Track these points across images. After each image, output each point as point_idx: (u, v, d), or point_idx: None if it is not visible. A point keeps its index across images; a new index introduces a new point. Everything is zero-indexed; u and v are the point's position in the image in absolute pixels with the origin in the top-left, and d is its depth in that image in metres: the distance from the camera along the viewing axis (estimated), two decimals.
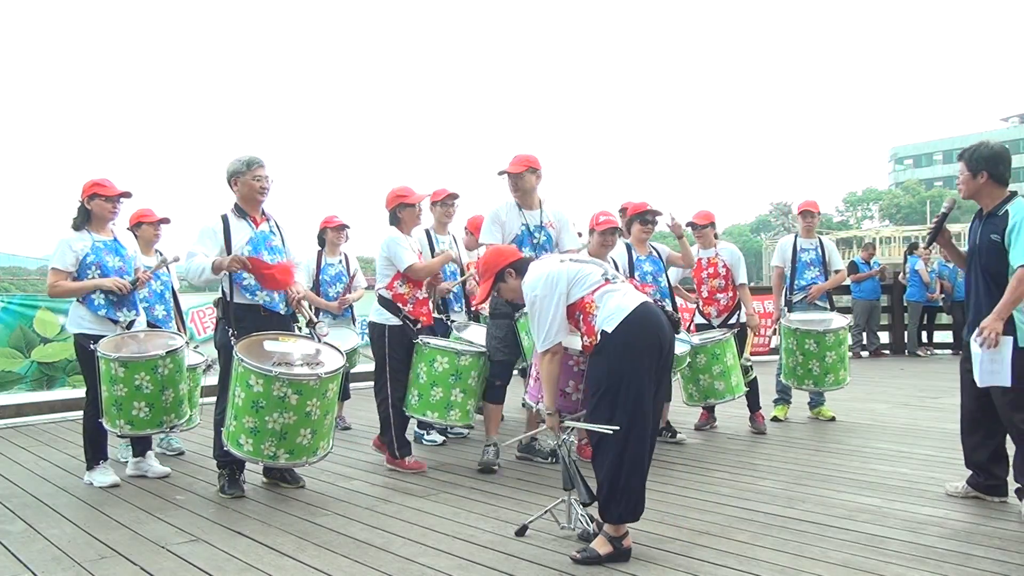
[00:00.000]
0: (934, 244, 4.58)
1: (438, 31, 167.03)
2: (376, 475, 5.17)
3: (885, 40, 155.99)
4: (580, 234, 6.45)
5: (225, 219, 4.62)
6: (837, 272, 6.93)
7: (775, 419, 6.73)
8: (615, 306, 3.47)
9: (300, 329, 4.83)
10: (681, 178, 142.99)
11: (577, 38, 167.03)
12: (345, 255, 6.77)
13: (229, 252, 4.49)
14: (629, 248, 6.06)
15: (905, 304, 12.60)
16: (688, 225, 6.53)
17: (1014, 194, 4.14)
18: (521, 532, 3.83)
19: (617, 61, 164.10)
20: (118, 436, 4.90)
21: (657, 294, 6.07)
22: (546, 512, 3.84)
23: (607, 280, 3.59)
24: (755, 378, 6.43)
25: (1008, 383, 3.93)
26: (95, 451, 4.99)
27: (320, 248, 6.69)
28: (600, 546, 3.49)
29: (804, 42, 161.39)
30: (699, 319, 6.57)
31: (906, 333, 12.64)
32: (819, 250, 6.89)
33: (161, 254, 5.52)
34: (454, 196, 6.24)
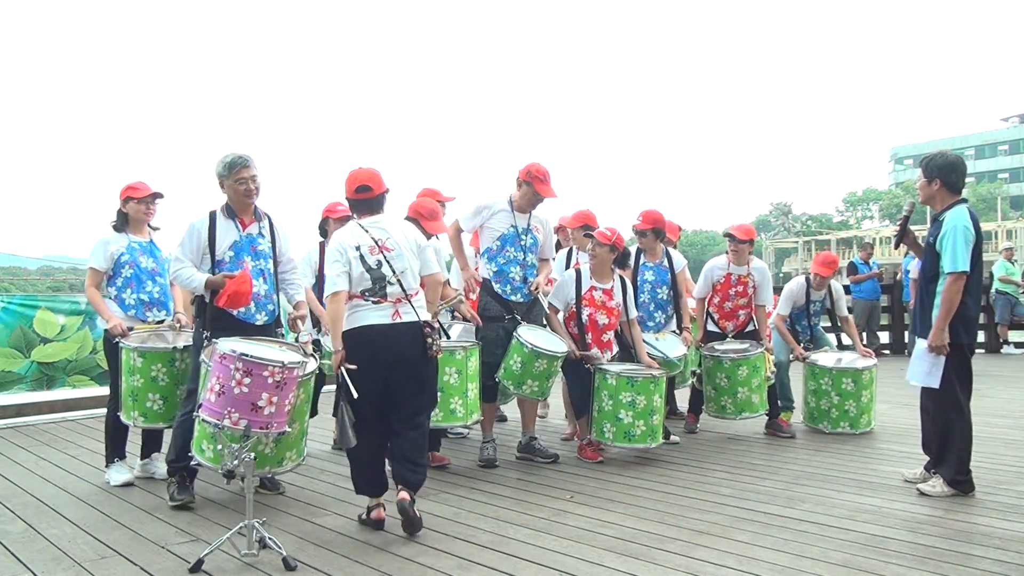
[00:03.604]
0: (902, 245, 4.90)
1: (440, 29, 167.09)
2: None
3: (885, 40, 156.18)
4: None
5: (213, 217, 4.46)
6: (844, 319, 6.87)
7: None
8: (355, 318, 4.01)
9: (282, 336, 4.63)
10: (682, 178, 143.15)
11: (577, 38, 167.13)
12: None
13: (212, 255, 4.39)
14: (639, 251, 6.06)
15: (905, 304, 12.60)
16: (725, 236, 6.44)
17: (961, 201, 4.47)
18: (196, 568, 3.45)
19: (617, 61, 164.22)
20: (133, 427, 4.85)
21: (652, 305, 6.11)
22: (223, 541, 3.55)
23: (364, 294, 4.01)
24: (773, 384, 6.42)
25: (937, 386, 4.43)
26: (114, 448, 5.02)
27: (322, 239, 5.82)
28: None
29: (803, 42, 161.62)
30: (712, 327, 6.44)
31: (906, 333, 12.63)
32: (827, 299, 6.77)
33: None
34: (449, 199, 6.18)
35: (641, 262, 6.09)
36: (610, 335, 5.58)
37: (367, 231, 4.10)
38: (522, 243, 5.41)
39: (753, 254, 6.43)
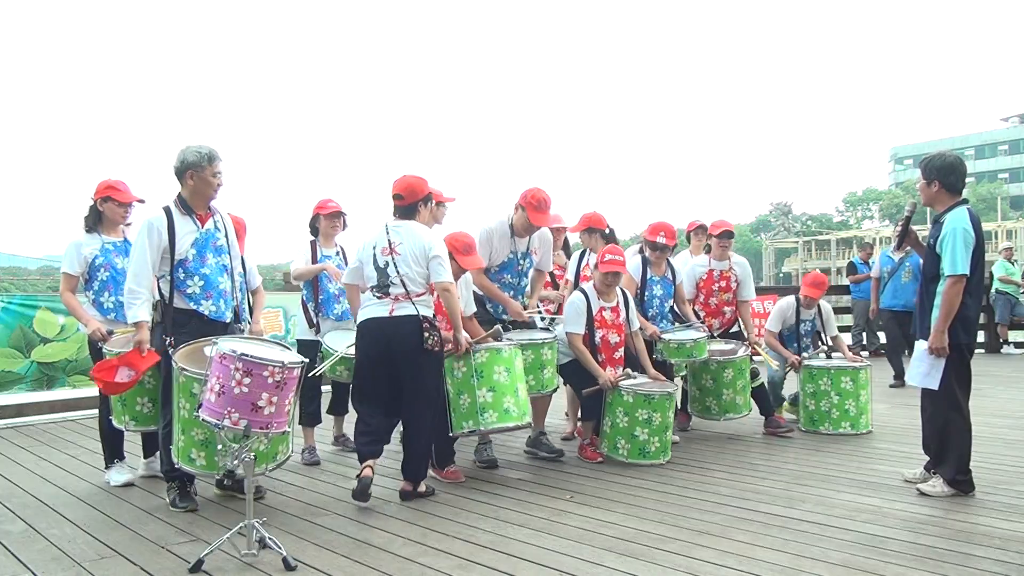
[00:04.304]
0: (903, 245, 4.87)
1: (442, 27, 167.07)
2: (376, 475, 5.14)
3: (885, 40, 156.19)
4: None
5: (169, 214, 4.25)
6: (834, 338, 6.86)
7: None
8: (363, 312, 4.54)
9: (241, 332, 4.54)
10: (681, 178, 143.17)
11: (578, 37, 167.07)
12: (341, 248, 5.76)
13: (172, 255, 4.21)
14: (645, 264, 6.01)
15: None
16: (709, 236, 6.46)
17: (962, 202, 4.46)
18: (196, 568, 3.44)
19: (618, 61, 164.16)
20: (126, 431, 4.82)
21: (659, 317, 6.08)
22: (223, 541, 3.54)
23: (371, 290, 4.49)
24: (763, 383, 6.42)
25: (936, 387, 4.42)
26: (111, 450, 5.00)
27: (314, 238, 5.70)
28: None
29: (804, 42, 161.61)
30: None
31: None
32: (816, 320, 6.81)
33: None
34: (449, 200, 6.12)
35: (648, 276, 6.02)
36: (621, 352, 5.56)
37: (388, 233, 4.50)
38: (520, 269, 5.45)
39: (741, 253, 6.49)
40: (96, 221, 4.91)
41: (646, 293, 6.02)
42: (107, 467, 5.02)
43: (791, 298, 6.86)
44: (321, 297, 5.55)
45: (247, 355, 3.52)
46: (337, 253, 5.71)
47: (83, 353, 7.35)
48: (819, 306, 6.81)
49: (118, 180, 4.95)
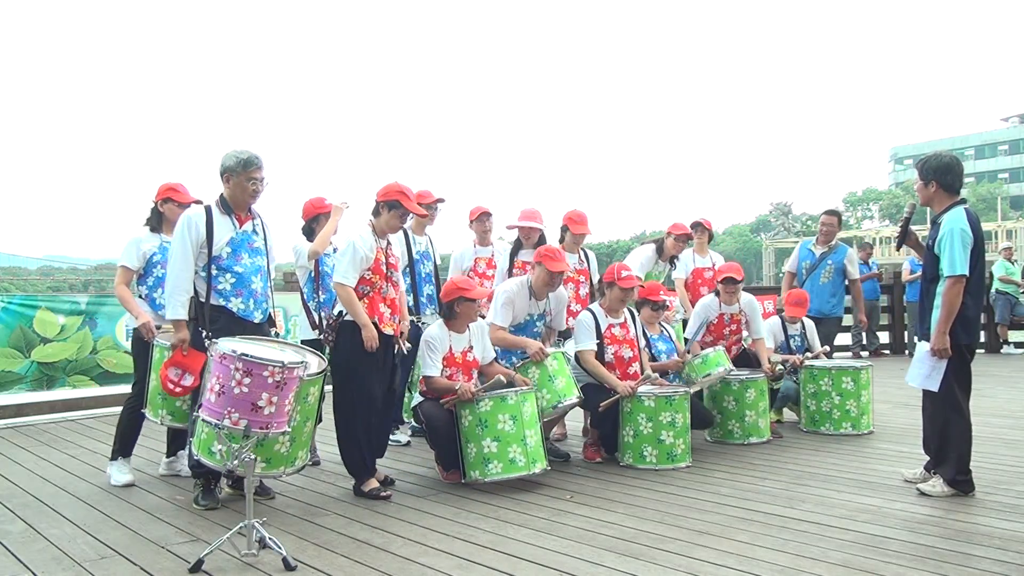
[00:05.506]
0: (903, 246, 4.86)
1: (438, 28, 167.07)
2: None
3: (885, 40, 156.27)
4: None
5: (209, 212, 4.40)
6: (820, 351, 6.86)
7: (779, 422, 6.71)
8: None
9: (277, 336, 4.62)
10: (681, 178, 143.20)
11: (578, 37, 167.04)
12: (335, 247, 5.56)
13: (209, 250, 4.33)
14: (642, 327, 5.91)
15: (905, 304, 12.61)
16: (720, 282, 6.29)
17: (960, 201, 4.46)
18: (196, 568, 3.44)
19: (617, 61, 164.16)
20: (159, 425, 4.85)
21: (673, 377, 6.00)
22: (223, 541, 3.55)
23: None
24: (776, 388, 6.41)
25: (936, 389, 4.42)
26: (123, 444, 5.02)
27: (307, 239, 5.60)
28: None
29: (804, 42, 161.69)
30: None
31: (906, 333, 12.65)
32: (802, 334, 6.84)
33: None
34: (439, 201, 6.11)
35: (649, 337, 5.92)
36: (635, 367, 5.51)
37: None
38: (535, 330, 5.52)
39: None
40: (159, 222, 5.08)
41: (652, 351, 5.88)
42: (112, 460, 5.02)
43: (774, 317, 6.95)
44: (324, 296, 5.47)
45: (247, 355, 3.52)
46: (336, 250, 5.51)
47: (83, 353, 7.38)
48: (802, 322, 6.84)
49: (178, 183, 5.12)
